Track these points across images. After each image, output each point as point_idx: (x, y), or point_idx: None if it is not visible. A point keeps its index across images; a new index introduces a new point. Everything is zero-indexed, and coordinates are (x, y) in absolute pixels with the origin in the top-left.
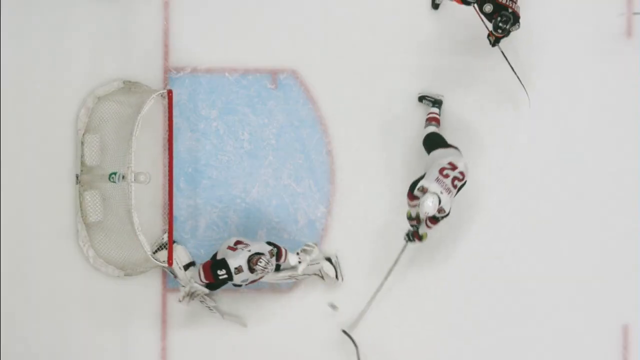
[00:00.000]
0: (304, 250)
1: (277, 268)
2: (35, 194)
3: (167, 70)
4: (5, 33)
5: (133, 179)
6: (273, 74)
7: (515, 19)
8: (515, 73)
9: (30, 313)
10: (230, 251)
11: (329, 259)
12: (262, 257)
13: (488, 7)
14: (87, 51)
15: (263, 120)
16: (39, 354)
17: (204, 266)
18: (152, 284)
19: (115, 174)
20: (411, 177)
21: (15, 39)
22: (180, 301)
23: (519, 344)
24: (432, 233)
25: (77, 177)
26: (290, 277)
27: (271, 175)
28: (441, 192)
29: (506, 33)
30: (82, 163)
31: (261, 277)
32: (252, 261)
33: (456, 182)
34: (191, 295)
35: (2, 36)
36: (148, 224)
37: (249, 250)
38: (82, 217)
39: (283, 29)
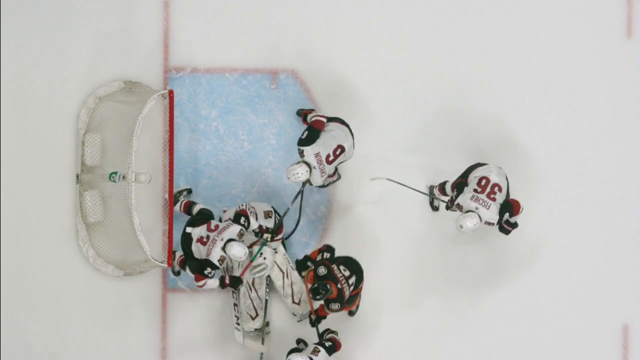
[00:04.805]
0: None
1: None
2: (35, 193)
3: (167, 70)
4: (5, 33)
5: (134, 179)
6: (273, 74)
7: (339, 298)
8: None
9: (30, 313)
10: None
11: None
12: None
13: (322, 270)
14: (87, 51)
15: (263, 120)
16: (39, 354)
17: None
18: (152, 284)
19: (115, 173)
20: (410, 178)
21: (15, 39)
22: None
23: (519, 344)
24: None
25: (77, 176)
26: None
27: (271, 175)
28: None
29: (321, 299)
30: (83, 163)
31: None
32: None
33: None
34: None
35: (2, 36)
36: (148, 224)
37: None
38: (82, 217)
39: (283, 29)
